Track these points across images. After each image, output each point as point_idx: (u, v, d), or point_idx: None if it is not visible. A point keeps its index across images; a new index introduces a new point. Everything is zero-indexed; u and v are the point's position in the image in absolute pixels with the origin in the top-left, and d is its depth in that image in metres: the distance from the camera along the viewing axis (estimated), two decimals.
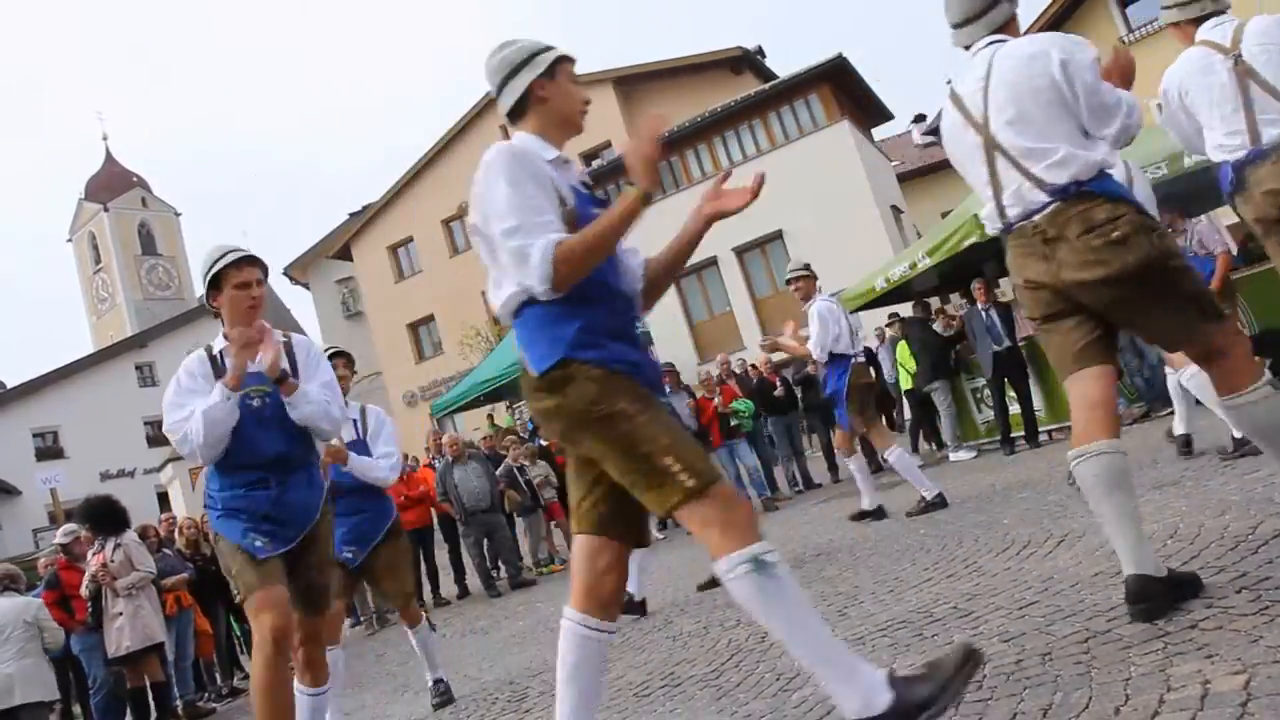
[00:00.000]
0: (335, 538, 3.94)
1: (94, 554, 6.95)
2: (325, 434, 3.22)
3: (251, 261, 3.03)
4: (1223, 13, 3.54)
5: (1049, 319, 2.60)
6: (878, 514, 6.11)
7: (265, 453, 2.99)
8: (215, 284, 3.02)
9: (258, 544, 2.91)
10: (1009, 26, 2.76)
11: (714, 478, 1.99)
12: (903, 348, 10.19)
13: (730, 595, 1.97)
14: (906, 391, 10.32)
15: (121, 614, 6.75)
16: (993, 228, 2.75)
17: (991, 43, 2.70)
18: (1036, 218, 2.54)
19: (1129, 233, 2.43)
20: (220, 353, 3.08)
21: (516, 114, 2.24)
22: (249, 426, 2.97)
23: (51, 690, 6.57)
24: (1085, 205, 2.47)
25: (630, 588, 4.98)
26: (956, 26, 2.80)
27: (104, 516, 6.90)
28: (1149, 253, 2.42)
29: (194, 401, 2.96)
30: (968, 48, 2.79)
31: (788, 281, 6.56)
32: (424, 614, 4.55)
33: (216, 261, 3.00)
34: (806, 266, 6.54)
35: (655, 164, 2.03)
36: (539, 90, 2.20)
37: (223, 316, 3.06)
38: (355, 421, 4.45)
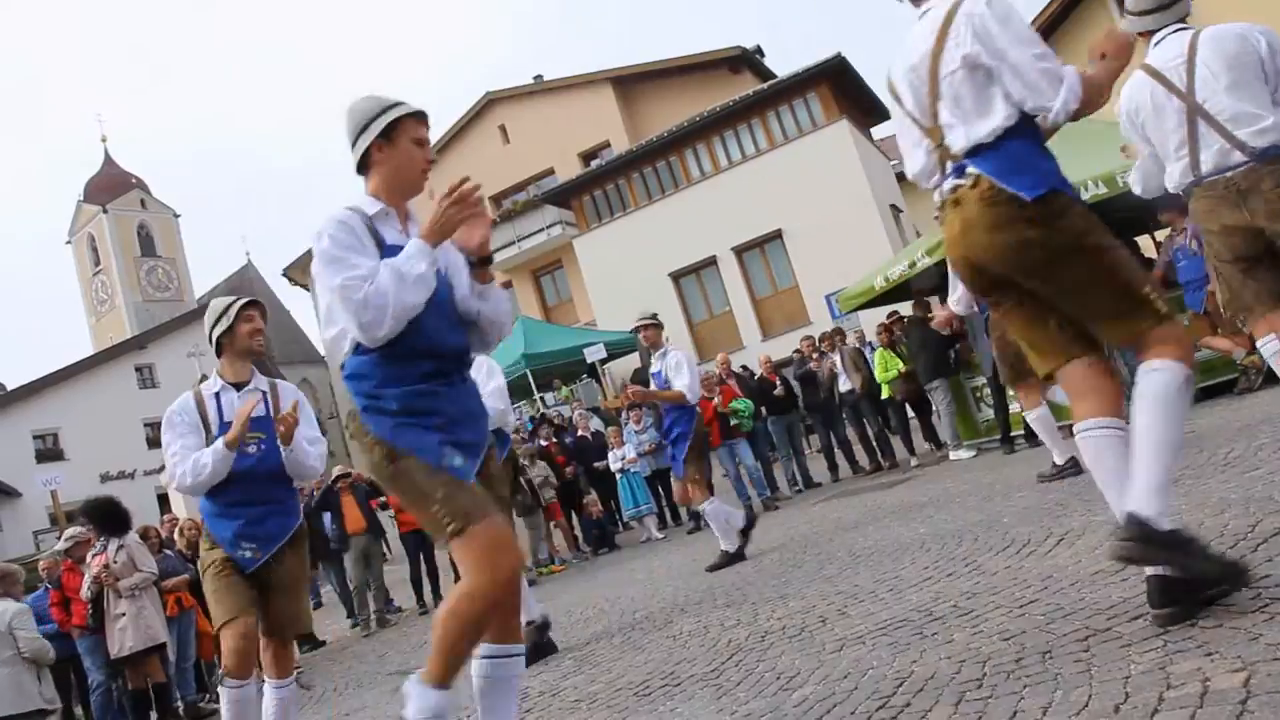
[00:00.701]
0: (230, 531, 3.45)
1: (94, 555, 6.96)
2: (488, 347, 2.67)
3: (426, 119, 2.55)
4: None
5: (1242, 260, 3.08)
6: (737, 556, 5.96)
7: (447, 342, 2.44)
8: (387, 135, 2.47)
9: (457, 462, 2.34)
10: (1186, 18, 3.26)
11: (1174, 314, 2.25)
12: (881, 357, 10.01)
13: (1145, 377, 2.19)
14: (886, 399, 10.19)
15: (124, 614, 6.75)
16: (1178, 183, 3.17)
17: (1180, 28, 3.17)
18: (1230, 174, 3.02)
19: None
20: (372, 218, 2.46)
21: None
22: (425, 310, 2.38)
23: (32, 701, 6.21)
24: (1278, 165, 2.95)
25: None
26: (1144, 13, 3.23)
27: (107, 517, 6.89)
28: None
29: (364, 259, 2.34)
30: (1145, 33, 3.23)
31: (635, 329, 6.60)
32: (296, 668, 3.81)
33: (390, 109, 2.48)
34: (654, 316, 6.72)
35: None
36: None
37: (373, 176, 2.53)
38: (265, 395, 3.61)
